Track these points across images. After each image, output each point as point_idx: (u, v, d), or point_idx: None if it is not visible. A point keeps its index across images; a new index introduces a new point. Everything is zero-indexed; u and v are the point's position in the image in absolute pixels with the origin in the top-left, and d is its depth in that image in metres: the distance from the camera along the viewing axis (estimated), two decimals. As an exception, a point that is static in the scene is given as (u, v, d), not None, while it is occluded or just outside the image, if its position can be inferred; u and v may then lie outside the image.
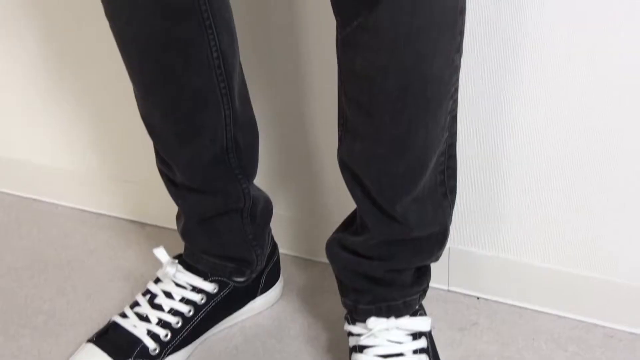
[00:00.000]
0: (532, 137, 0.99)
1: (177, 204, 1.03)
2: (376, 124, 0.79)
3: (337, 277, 0.99)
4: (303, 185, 1.20)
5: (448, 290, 1.16)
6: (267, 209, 1.08)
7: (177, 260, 1.06)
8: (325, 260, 1.01)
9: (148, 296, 1.04)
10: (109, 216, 1.42)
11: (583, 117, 0.95)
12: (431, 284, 0.98)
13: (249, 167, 1.01)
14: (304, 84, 1.09)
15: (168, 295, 1.03)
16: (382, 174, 0.83)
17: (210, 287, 1.04)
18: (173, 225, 1.10)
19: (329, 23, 0.77)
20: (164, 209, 1.24)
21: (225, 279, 1.06)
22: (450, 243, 1.00)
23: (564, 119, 0.96)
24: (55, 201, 1.46)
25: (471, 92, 0.98)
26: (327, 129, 1.10)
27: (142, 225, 1.39)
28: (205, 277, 1.05)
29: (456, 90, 0.81)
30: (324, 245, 0.99)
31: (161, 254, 1.04)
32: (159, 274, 1.05)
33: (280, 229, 1.20)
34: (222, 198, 1.00)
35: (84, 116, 1.33)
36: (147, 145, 1.01)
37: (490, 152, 1.02)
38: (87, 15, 1.18)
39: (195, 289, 1.04)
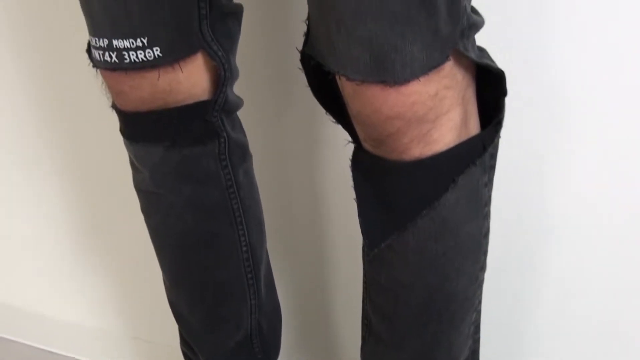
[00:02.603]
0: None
1: (200, 388, 1.03)
2: (399, 333, 0.80)
3: None
4: (320, 350, 1.21)
5: None
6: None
7: None
8: None
9: None
10: (127, 374, 1.42)
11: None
12: None
13: (272, 350, 1.02)
14: (327, 263, 1.12)
15: None
16: (405, 379, 0.83)
17: None
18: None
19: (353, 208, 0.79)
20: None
21: None
22: None
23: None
24: (74, 355, 1.47)
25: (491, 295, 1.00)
26: (346, 296, 1.12)
27: (160, 385, 1.39)
28: None
29: (479, 302, 0.82)
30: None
31: None
32: None
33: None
34: (244, 383, 1.00)
35: (106, 274, 1.36)
36: (167, 305, 1.02)
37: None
38: (113, 173, 1.22)
39: None
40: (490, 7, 0.82)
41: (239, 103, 0.88)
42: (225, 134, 0.85)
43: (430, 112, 0.66)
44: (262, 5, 1.00)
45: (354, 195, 0.75)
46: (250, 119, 0.93)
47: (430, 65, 0.63)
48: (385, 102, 0.65)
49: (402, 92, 0.64)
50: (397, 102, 0.64)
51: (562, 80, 0.89)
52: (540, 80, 0.90)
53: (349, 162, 0.75)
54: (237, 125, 0.89)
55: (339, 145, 0.78)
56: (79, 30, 0.87)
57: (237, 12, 0.83)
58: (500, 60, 0.72)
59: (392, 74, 0.63)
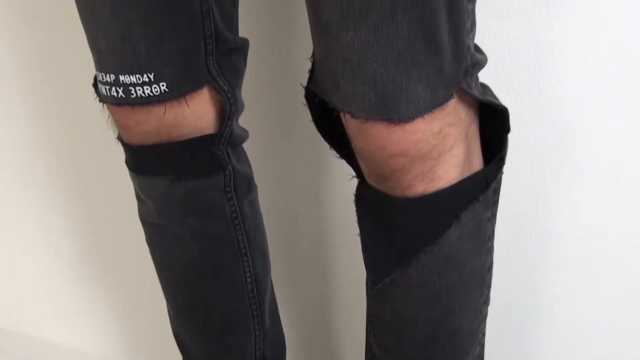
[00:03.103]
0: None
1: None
2: None
3: None
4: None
5: None
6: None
7: None
8: None
9: None
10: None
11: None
12: None
13: (276, 381, 1.02)
14: (331, 293, 1.12)
15: None
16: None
17: None
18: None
19: (357, 242, 0.80)
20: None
21: None
22: None
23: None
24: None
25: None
26: (351, 327, 1.12)
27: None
28: None
29: (483, 335, 0.83)
30: None
31: None
32: None
33: None
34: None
35: (108, 301, 1.36)
36: (170, 333, 1.02)
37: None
38: (117, 201, 1.23)
39: None
40: (492, 43, 0.84)
41: (244, 135, 0.89)
42: (230, 167, 0.85)
43: (434, 149, 0.66)
44: (268, 40, 1.01)
45: (357, 229, 0.75)
46: (255, 150, 0.94)
47: (434, 104, 0.64)
48: (390, 140, 0.65)
49: (406, 129, 0.64)
50: (401, 140, 0.65)
51: (566, 113, 0.90)
52: (544, 112, 0.90)
53: (353, 197, 0.75)
54: (243, 157, 0.90)
55: (343, 179, 0.79)
56: (86, 64, 0.88)
57: (243, 47, 0.83)
58: (502, 89, 0.73)
59: (397, 112, 0.63)
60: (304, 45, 0.90)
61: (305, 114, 0.75)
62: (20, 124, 1.27)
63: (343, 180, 0.79)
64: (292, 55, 1.00)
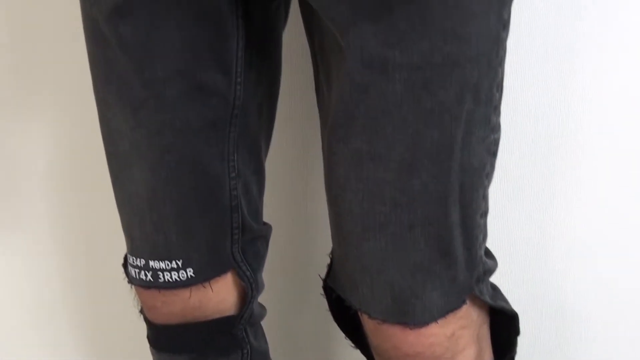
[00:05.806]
0: None
1: None
2: None
3: None
4: None
5: None
6: None
7: None
8: None
9: None
10: None
11: None
12: None
13: None
14: None
15: None
16: None
17: None
18: None
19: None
20: None
21: None
22: None
23: None
24: None
25: None
26: None
27: None
28: None
29: None
30: None
31: None
32: None
33: None
34: None
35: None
36: None
37: None
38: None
39: None
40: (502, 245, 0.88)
41: (262, 314, 0.91)
42: (248, 346, 0.88)
43: (447, 351, 0.69)
44: (288, 227, 1.05)
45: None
46: (272, 324, 0.96)
47: (448, 309, 0.68)
48: (405, 341, 0.68)
49: (421, 333, 0.68)
50: (416, 342, 0.68)
51: (570, 300, 0.93)
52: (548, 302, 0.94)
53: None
54: (260, 333, 0.92)
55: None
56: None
57: (266, 235, 0.88)
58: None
59: (412, 317, 0.67)
60: (324, 235, 0.94)
61: (322, 295, 0.77)
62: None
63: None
64: (313, 241, 1.05)
